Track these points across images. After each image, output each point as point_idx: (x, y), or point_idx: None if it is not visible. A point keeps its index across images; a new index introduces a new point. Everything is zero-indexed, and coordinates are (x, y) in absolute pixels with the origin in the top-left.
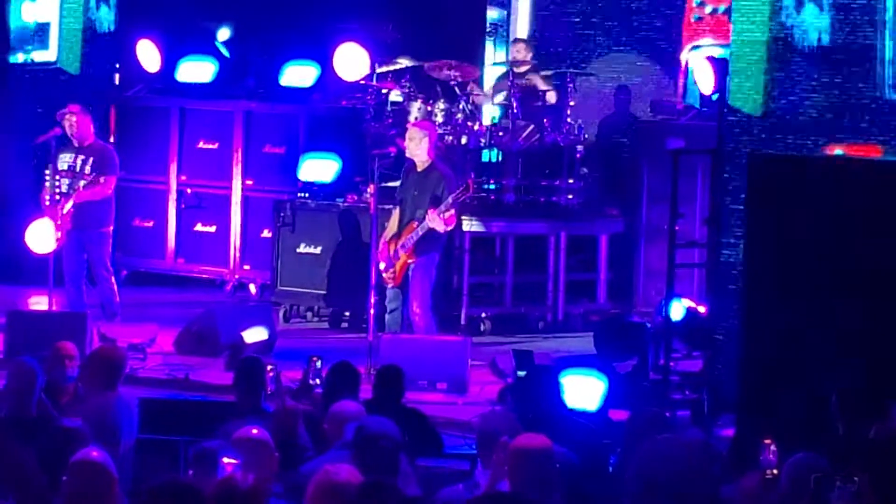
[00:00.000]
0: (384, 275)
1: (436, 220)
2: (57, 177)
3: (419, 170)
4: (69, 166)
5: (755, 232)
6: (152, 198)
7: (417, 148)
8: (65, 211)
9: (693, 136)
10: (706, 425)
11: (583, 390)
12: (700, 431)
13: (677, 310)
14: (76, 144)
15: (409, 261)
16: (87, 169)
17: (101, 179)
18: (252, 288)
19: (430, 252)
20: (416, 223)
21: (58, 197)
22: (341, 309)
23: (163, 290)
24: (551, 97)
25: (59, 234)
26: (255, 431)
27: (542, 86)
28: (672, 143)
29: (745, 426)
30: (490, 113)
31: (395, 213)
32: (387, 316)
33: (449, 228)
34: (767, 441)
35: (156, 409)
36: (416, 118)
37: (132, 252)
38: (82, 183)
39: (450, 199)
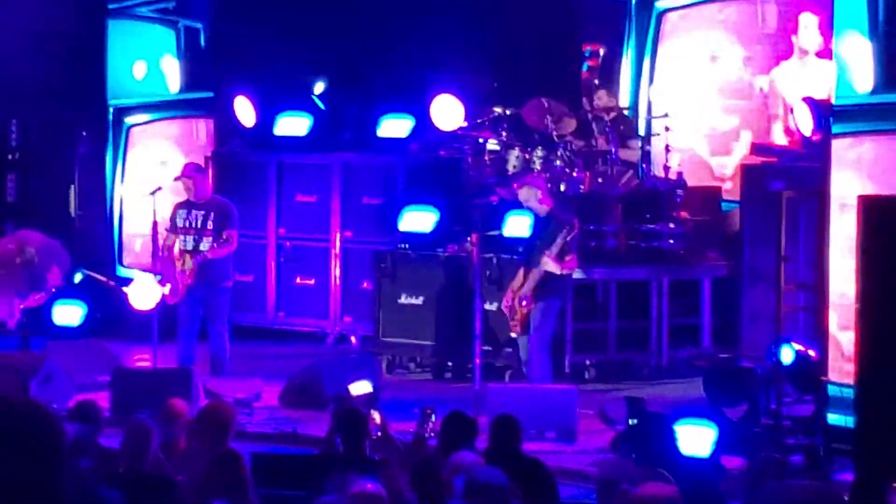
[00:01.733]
0: (511, 324)
1: (549, 263)
2: (179, 233)
3: (542, 217)
4: (189, 223)
5: (867, 274)
6: (252, 252)
7: (533, 203)
8: (189, 267)
9: (795, 178)
10: (822, 470)
11: (694, 437)
12: (818, 477)
13: (787, 354)
14: (194, 201)
15: (530, 307)
16: (210, 224)
17: (226, 236)
18: (353, 340)
19: (549, 298)
20: (534, 270)
21: (178, 252)
22: (444, 359)
23: (264, 344)
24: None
25: (179, 289)
26: (369, 486)
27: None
28: (774, 185)
29: (865, 471)
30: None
31: (523, 266)
32: (524, 368)
33: (566, 272)
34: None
35: (266, 464)
36: (514, 166)
37: (233, 307)
38: (206, 240)
39: (559, 240)
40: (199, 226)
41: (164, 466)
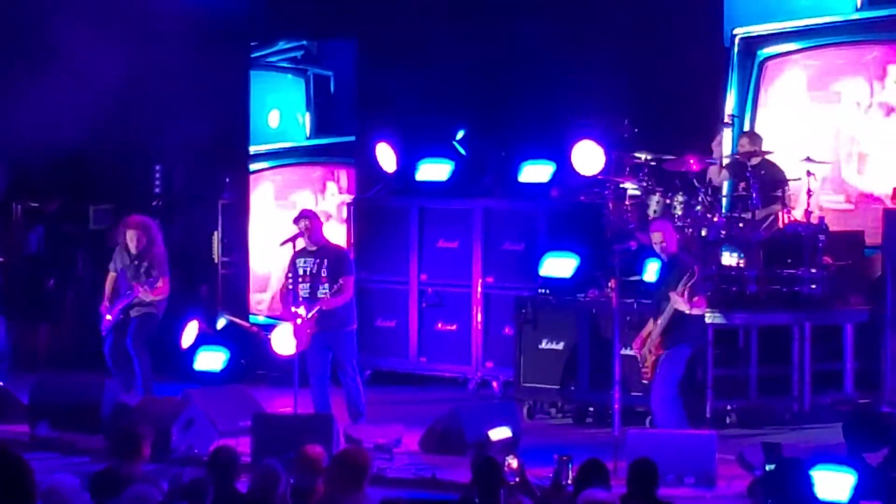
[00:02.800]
0: (642, 370)
1: (678, 301)
2: (299, 281)
3: (667, 263)
4: (306, 270)
5: None
6: (394, 297)
7: (658, 247)
8: (309, 316)
9: None
10: None
11: (833, 483)
12: None
13: None
14: (312, 248)
15: (659, 353)
16: (324, 272)
17: (341, 282)
18: (495, 385)
19: (679, 344)
20: (663, 314)
21: (299, 300)
22: (585, 404)
23: (406, 390)
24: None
25: (303, 337)
26: None
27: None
28: None
29: None
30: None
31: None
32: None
33: (696, 311)
34: None
35: None
36: (654, 211)
37: (375, 352)
38: (322, 287)
39: (680, 287)
40: (314, 272)
41: None
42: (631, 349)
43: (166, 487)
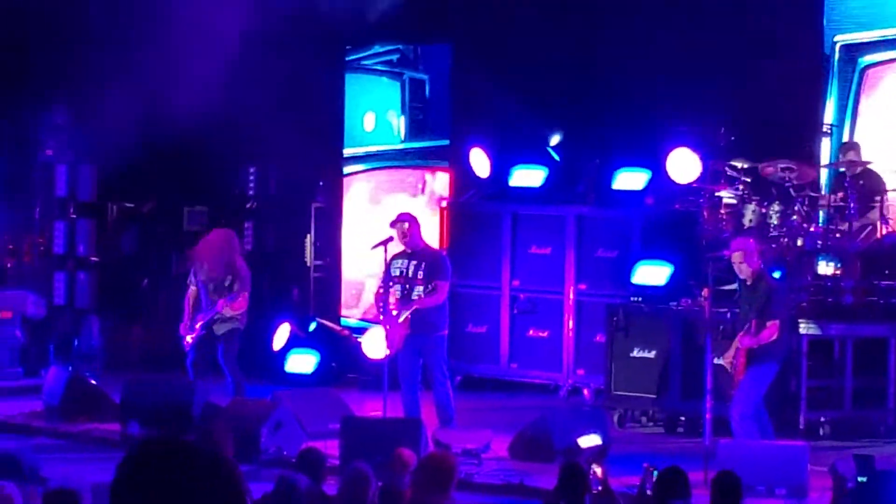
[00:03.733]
0: (735, 381)
1: (745, 340)
2: (391, 283)
3: (748, 283)
4: (402, 272)
5: None
6: (485, 303)
7: (737, 267)
8: (402, 319)
9: None
10: None
11: None
12: None
13: None
14: (408, 251)
15: (741, 373)
16: (420, 275)
17: (435, 285)
18: (586, 393)
19: (766, 363)
20: (744, 331)
21: (392, 303)
22: (676, 414)
23: (497, 396)
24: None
25: (395, 340)
26: None
27: (877, 184)
28: None
29: None
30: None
31: None
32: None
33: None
34: None
35: None
36: (750, 220)
37: (466, 357)
38: (417, 289)
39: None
40: (409, 275)
41: None
42: (722, 359)
43: (251, 488)
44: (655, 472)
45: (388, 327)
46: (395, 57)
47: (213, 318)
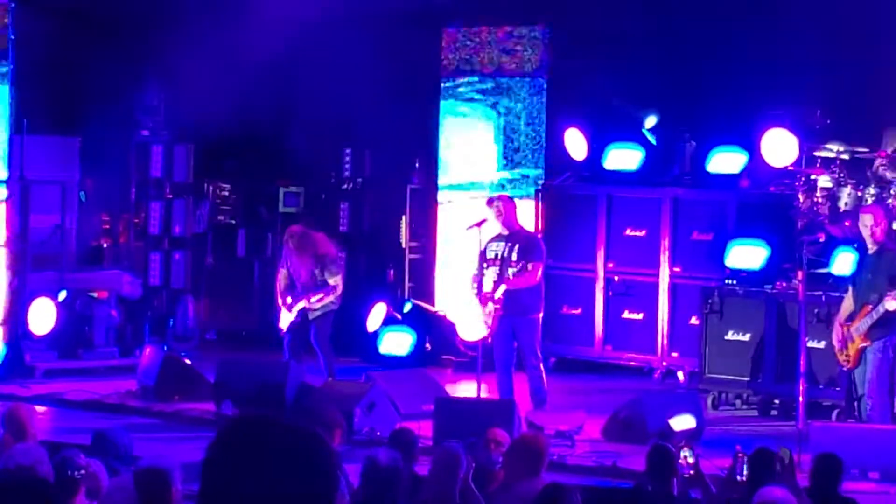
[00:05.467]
0: (840, 357)
1: (893, 302)
2: (485, 265)
3: (871, 252)
4: (497, 254)
5: None
6: (580, 285)
7: (867, 231)
8: (497, 296)
9: None
10: None
11: None
12: None
13: None
14: (505, 232)
15: (864, 344)
16: (514, 256)
17: (529, 266)
18: (680, 375)
19: (884, 336)
20: (870, 306)
21: (489, 285)
22: (770, 396)
23: (591, 378)
24: None
25: (490, 321)
26: None
27: None
28: None
29: None
30: None
31: (849, 295)
32: (859, 403)
33: None
34: None
35: (586, 498)
36: (845, 204)
37: (560, 339)
38: (511, 270)
39: None
40: (504, 256)
41: (474, 495)
42: (818, 342)
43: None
44: (745, 456)
45: (483, 309)
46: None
47: (304, 304)
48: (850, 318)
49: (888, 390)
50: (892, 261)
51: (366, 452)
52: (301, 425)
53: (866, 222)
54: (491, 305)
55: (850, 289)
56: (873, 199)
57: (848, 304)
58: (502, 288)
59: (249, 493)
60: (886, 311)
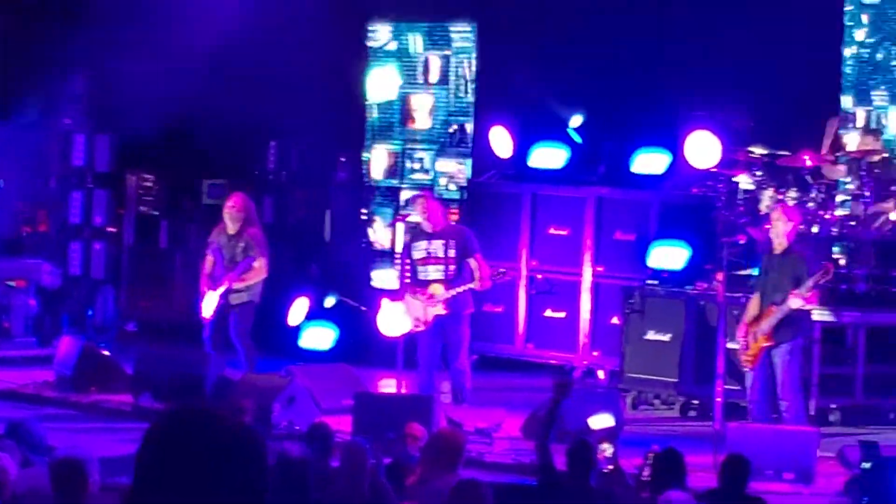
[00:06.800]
0: (742, 357)
1: (797, 301)
2: (419, 264)
3: (777, 252)
4: (427, 253)
5: None
6: (503, 283)
7: (775, 231)
8: (444, 296)
9: None
10: None
11: None
12: None
13: None
14: (429, 230)
15: (767, 344)
16: (452, 253)
17: (472, 263)
18: (601, 374)
19: (794, 338)
20: (775, 306)
21: (421, 283)
22: (690, 397)
23: (511, 376)
24: None
25: (429, 320)
26: None
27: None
28: None
29: None
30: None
31: (755, 296)
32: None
33: (809, 307)
34: None
35: (506, 496)
36: (766, 206)
37: (482, 337)
38: (451, 268)
39: (810, 283)
40: (441, 255)
41: (385, 489)
42: (736, 343)
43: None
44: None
45: (408, 306)
46: None
47: (230, 288)
48: (756, 319)
49: (801, 391)
50: (796, 262)
51: (283, 446)
52: (234, 418)
53: (774, 217)
54: (440, 308)
55: (756, 290)
56: (794, 202)
57: (754, 304)
58: (454, 292)
59: (184, 486)
60: (791, 311)
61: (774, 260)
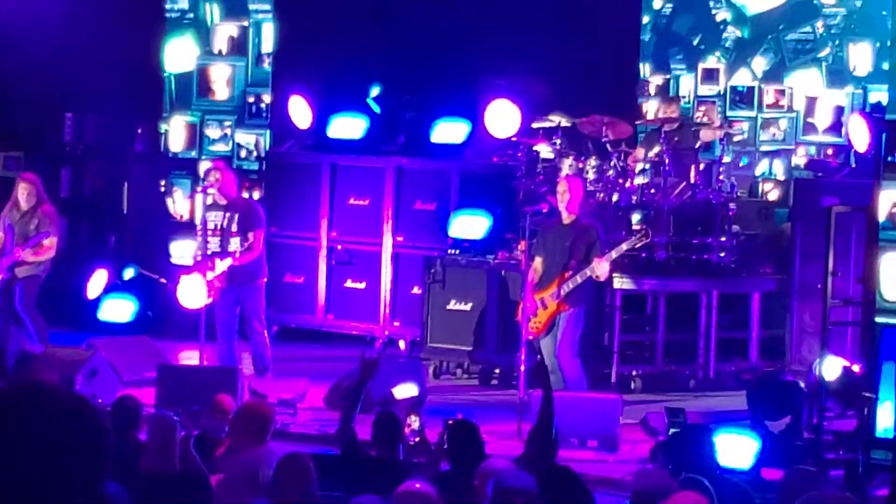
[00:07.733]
0: (530, 325)
1: (603, 266)
2: (209, 234)
3: (565, 222)
4: (216, 225)
5: None
6: (303, 254)
7: (563, 200)
8: (218, 272)
9: (848, 194)
10: (861, 486)
11: (736, 449)
12: (852, 492)
13: (832, 368)
14: (223, 202)
15: (561, 311)
16: (234, 227)
17: (250, 237)
18: (402, 344)
19: (580, 304)
20: (569, 273)
21: (209, 255)
22: (491, 366)
23: (313, 346)
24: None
25: (211, 291)
26: (418, 486)
27: (706, 137)
28: (827, 201)
29: None
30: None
31: (537, 264)
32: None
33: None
34: None
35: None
36: (566, 175)
37: (283, 308)
38: (233, 241)
39: (624, 246)
40: (224, 226)
41: (195, 461)
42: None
43: None
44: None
45: (205, 278)
46: None
47: (16, 261)
48: (541, 286)
49: (579, 353)
50: (586, 230)
51: None
52: (69, 391)
53: (562, 191)
54: (211, 275)
55: (538, 257)
56: (594, 170)
57: (538, 271)
58: (227, 262)
59: (24, 462)
60: (587, 278)
61: (564, 229)
